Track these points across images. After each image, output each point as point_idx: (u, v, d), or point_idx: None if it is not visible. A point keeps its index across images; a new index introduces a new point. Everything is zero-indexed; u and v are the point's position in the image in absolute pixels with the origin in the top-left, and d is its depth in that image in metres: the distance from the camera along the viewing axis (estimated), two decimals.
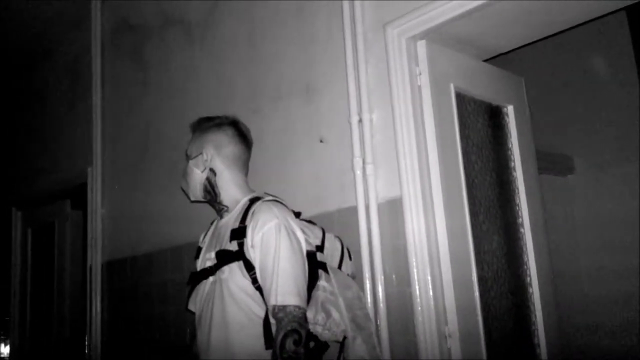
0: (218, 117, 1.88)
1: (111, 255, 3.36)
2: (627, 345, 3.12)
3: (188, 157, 1.86)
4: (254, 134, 1.94)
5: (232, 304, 1.61)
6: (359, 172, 2.07)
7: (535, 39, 2.32)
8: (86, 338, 3.41)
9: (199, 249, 1.87)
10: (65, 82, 4.04)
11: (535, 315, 2.20)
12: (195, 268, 1.82)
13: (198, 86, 2.90)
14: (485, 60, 2.36)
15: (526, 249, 2.25)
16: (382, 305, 1.95)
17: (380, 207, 2.02)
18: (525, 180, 2.31)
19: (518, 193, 2.30)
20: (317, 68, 2.32)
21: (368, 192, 2.04)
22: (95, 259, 3.40)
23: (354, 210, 2.07)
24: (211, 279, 1.69)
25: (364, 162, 2.07)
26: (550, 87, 3.55)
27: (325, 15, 2.30)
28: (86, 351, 3.40)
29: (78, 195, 3.80)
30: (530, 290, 2.23)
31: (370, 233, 2.01)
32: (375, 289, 1.97)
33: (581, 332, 3.26)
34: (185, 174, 1.87)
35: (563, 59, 3.55)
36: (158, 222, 3.02)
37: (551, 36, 2.34)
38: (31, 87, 4.56)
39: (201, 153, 1.81)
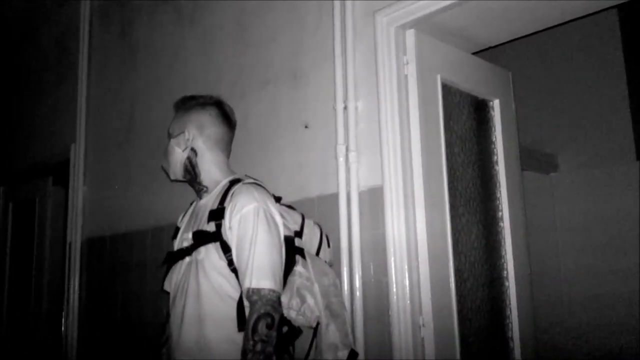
0: (202, 97, 1.86)
1: (91, 233, 3.34)
2: (607, 345, 3.14)
3: (170, 136, 1.84)
4: (239, 118, 1.92)
5: (206, 285, 1.60)
6: (341, 159, 2.06)
7: (524, 34, 2.32)
8: (63, 315, 3.40)
9: (177, 229, 1.85)
10: (52, 58, 3.97)
11: (510, 310, 2.22)
12: (173, 248, 1.81)
13: (185, 67, 2.87)
14: (474, 53, 2.36)
15: (504, 243, 2.26)
16: (358, 293, 1.95)
17: (361, 195, 2.02)
18: (507, 175, 2.31)
19: (499, 187, 2.31)
20: (305, 54, 2.30)
21: (350, 180, 2.04)
22: (75, 236, 3.38)
23: (335, 197, 2.06)
24: (187, 259, 1.68)
25: (347, 150, 2.06)
26: (537, 83, 3.55)
27: (316, 1, 2.28)
28: (63, 329, 3.39)
29: (60, 172, 3.76)
30: (507, 284, 2.24)
31: (350, 221, 2.01)
32: (352, 276, 1.97)
33: (559, 331, 3.29)
34: (166, 153, 1.84)
35: (552, 55, 3.55)
36: (140, 201, 3.00)
37: (541, 31, 2.34)
38: (17, 63, 4.48)
39: (183, 132, 1.79)
